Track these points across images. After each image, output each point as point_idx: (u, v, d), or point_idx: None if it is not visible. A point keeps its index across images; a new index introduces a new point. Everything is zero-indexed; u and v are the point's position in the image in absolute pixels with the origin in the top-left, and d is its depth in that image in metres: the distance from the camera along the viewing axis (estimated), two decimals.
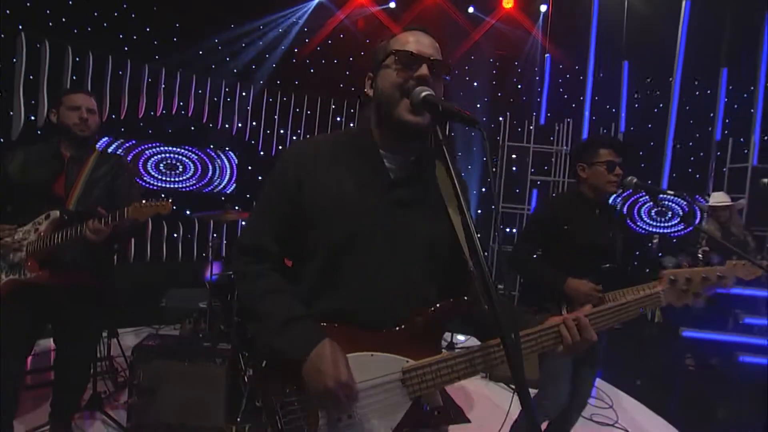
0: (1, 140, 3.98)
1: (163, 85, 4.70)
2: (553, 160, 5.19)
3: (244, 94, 5.21)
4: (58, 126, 1.90)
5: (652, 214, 5.60)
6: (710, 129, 5.79)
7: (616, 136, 5.62)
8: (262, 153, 5.33)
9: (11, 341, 1.79)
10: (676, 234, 5.51)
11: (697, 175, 5.93)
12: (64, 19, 4.35)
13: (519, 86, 5.84)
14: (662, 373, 3.75)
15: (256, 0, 5.07)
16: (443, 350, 0.98)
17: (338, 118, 5.62)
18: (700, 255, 4.07)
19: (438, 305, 0.96)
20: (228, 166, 4.96)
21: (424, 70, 0.92)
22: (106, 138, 4.37)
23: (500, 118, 5.55)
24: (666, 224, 5.56)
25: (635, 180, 1.81)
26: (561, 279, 1.81)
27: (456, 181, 0.85)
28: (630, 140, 5.68)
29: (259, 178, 5.23)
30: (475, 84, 5.85)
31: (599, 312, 0.99)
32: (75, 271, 1.86)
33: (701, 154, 5.92)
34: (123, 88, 4.47)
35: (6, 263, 1.78)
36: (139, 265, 4.63)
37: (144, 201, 1.69)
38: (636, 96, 5.76)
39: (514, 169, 5.43)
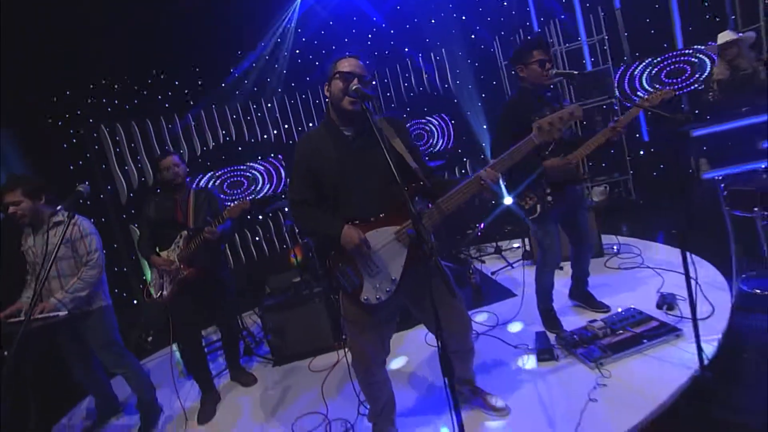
0: (113, 209, 5.21)
1: (205, 123, 5.66)
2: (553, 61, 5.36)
3: (269, 105, 6.03)
4: (162, 182, 2.87)
5: (646, 79, 5.52)
6: None
7: (615, 12, 5.59)
8: None
9: (189, 319, 2.82)
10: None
11: (717, 18, 5.67)
12: (116, 102, 5.44)
13: (504, 3, 5.95)
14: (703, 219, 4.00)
15: (250, 23, 5.76)
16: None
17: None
18: (710, 98, 4.17)
19: (402, 194, 1.64)
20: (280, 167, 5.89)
21: (355, 82, 1.63)
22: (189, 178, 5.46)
23: (496, 39, 5.78)
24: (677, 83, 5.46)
25: (555, 70, 2.25)
26: (538, 161, 2.34)
27: (390, 127, 1.63)
28: (630, 10, 5.59)
29: None
30: (464, 18, 6.08)
31: (499, 161, 1.64)
32: (206, 266, 2.83)
33: None
34: (178, 137, 5.50)
35: (170, 276, 2.78)
36: (240, 269, 5.77)
37: (232, 204, 2.55)
38: None
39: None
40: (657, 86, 5.40)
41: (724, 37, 3.87)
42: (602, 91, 5.16)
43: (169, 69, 5.56)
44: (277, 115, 6.04)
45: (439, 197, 1.66)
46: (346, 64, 1.67)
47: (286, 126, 6.11)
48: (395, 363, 2.78)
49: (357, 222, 1.68)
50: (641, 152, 5.80)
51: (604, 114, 5.39)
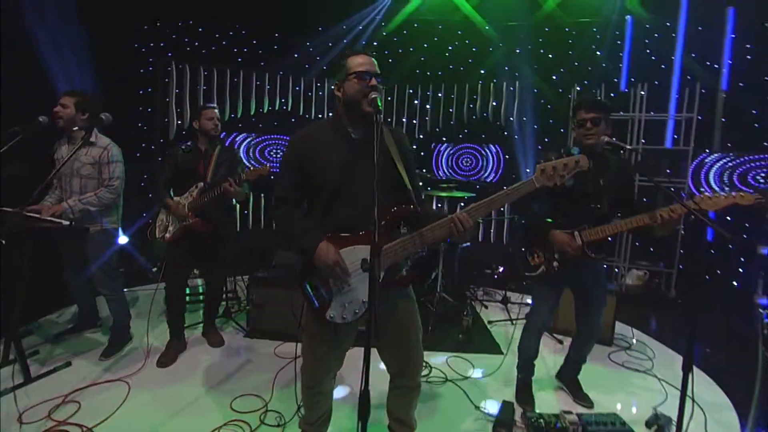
0: (162, 140, 5.47)
1: (268, 87, 5.80)
2: (629, 127, 4.98)
3: (333, 87, 6.07)
4: (199, 130, 2.93)
5: (725, 179, 4.94)
6: None
7: (718, 94, 5.10)
8: None
9: (180, 264, 2.89)
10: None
11: None
12: (196, 44, 5.69)
13: (598, 53, 5.62)
14: (736, 342, 3.53)
15: (341, 3, 5.83)
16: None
17: (415, 101, 6.17)
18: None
19: (388, 214, 1.55)
20: None
21: (373, 81, 1.54)
22: (225, 133, 5.64)
23: (578, 88, 5.47)
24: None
25: (605, 139, 2.03)
26: (547, 228, 2.17)
27: (393, 140, 1.57)
28: (737, 96, 5.08)
29: None
30: (551, 56, 5.81)
31: (479, 205, 1.51)
32: (213, 222, 2.88)
33: None
34: (238, 93, 5.68)
35: (177, 220, 2.85)
36: (256, 234, 5.87)
37: (252, 167, 2.60)
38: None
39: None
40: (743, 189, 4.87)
41: None
42: (674, 173, 4.74)
43: (253, 26, 5.75)
44: None
45: (422, 226, 1.55)
46: (360, 61, 1.56)
47: None
48: (351, 380, 2.67)
49: (340, 233, 1.59)
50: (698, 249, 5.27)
51: (667, 198, 4.94)
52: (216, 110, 2.94)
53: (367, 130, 1.61)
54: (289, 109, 5.92)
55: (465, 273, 4.68)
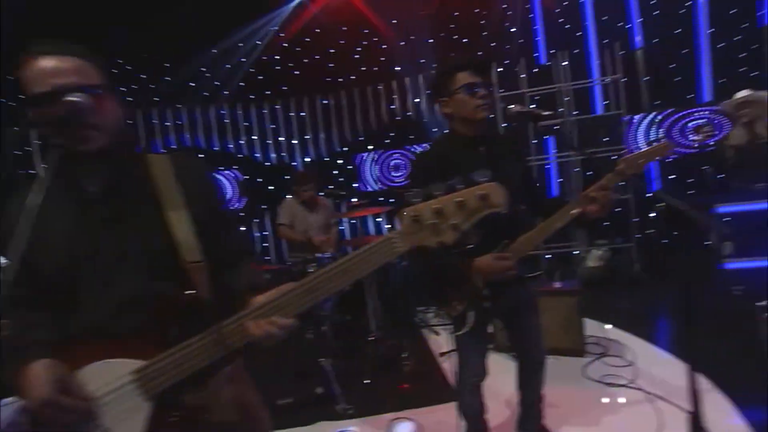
0: None
1: (177, 123, 5.05)
2: (556, 101, 4.64)
3: (239, 112, 5.41)
4: None
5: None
6: (760, 14, 4.76)
7: (630, 53, 4.89)
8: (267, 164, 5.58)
9: None
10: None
11: (755, 72, 4.90)
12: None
13: (511, 30, 5.30)
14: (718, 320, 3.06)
15: (227, 19, 5.19)
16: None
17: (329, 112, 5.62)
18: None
19: (153, 305, 0.92)
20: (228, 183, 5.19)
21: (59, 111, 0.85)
22: None
23: (499, 69, 5.10)
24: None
25: (516, 108, 1.50)
26: (459, 264, 1.50)
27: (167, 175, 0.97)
28: (653, 55, 4.90)
29: (270, 187, 5.47)
30: (464, 41, 5.44)
31: (282, 296, 0.87)
32: None
33: (754, 46, 4.90)
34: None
35: None
36: None
37: None
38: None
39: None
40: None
41: (741, 94, 3.27)
42: (611, 141, 4.43)
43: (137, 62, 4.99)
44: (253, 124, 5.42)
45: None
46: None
47: (254, 137, 5.46)
48: None
49: (84, 341, 0.92)
50: (652, 214, 4.96)
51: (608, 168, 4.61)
52: None
53: (108, 171, 0.96)
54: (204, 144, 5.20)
55: (408, 295, 3.94)
